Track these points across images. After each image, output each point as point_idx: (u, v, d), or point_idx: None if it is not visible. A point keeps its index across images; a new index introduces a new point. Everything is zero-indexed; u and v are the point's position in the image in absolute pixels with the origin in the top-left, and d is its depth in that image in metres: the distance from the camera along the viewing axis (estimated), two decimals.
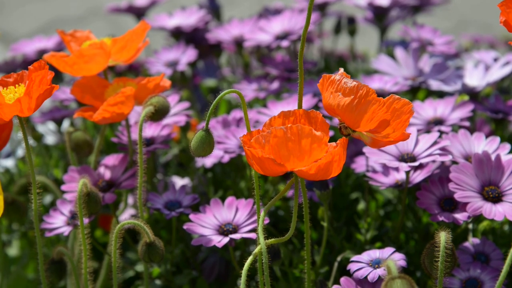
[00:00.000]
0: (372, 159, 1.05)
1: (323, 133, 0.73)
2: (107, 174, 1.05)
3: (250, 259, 0.71)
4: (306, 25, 0.78)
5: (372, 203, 1.20)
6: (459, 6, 2.93)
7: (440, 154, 0.97)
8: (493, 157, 0.96)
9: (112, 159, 1.07)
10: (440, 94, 1.32)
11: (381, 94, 1.17)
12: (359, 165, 1.10)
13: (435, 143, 0.99)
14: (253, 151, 0.73)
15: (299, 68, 0.80)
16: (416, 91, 1.24)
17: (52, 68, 0.93)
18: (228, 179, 1.19)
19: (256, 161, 0.73)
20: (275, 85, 1.27)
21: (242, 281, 0.68)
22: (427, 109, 1.12)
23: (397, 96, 0.76)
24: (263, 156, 0.72)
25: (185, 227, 0.97)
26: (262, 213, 0.75)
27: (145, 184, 1.03)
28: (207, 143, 0.83)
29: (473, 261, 0.94)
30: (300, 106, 0.83)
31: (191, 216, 0.98)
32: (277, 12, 1.45)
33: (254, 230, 0.96)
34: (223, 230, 0.97)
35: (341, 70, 0.78)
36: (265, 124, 0.79)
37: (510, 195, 0.93)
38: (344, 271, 1.01)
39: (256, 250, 0.73)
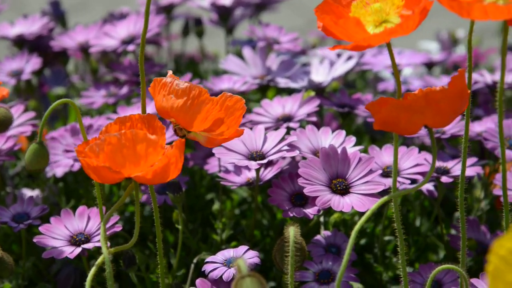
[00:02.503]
0: (223, 160, 1.05)
1: (159, 136, 0.72)
2: None
3: (93, 269, 0.70)
4: (145, 29, 0.78)
5: (228, 203, 1.21)
6: (310, 4, 2.99)
7: (288, 150, 0.99)
8: (339, 150, 0.98)
9: None
10: (291, 92, 1.33)
11: None
12: (212, 165, 1.10)
13: (283, 139, 1.01)
14: (88, 161, 0.71)
15: (140, 72, 0.79)
16: (266, 89, 1.25)
17: None
18: (81, 188, 1.17)
19: (92, 170, 0.71)
20: (124, 90, 1.26)
21: None
22: (275, 107, 1.13)
23: (229, 94, 0.76)
24: (98, 165, 0.71)
25: (35, 240, 0.94)
26: (101, 223, 0.73)
27: None
28: (41, 156, 0.81)
29: (325, 253, 0.96)
30: (143, 111, 0.82)
31: (41, 228, 0.95)
32: (122, 16, 1.43)
33: (109, 238, 0.95)
34: (75, 240, 0.95)
35: (170, 72, 0.77)
36: (101, 131, 0.77)
37: (357, 186, 0.95)
38: (201, 272, 1.01)
39: (99, 260, 0.71)
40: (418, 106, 0.70)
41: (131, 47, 1.26)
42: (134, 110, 1.17)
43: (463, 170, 0.83)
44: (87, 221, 0.97)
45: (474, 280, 0.86)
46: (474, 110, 1.26)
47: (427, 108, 0.71)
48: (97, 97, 1.26)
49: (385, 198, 0.74)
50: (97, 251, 1.05)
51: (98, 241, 0.94)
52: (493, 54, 1.83)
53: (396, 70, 0.76)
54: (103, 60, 1.42)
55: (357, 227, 0.69)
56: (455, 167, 1.01)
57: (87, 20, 1.58)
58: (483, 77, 1.21)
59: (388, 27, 0.73)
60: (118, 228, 0.95)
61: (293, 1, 2.08)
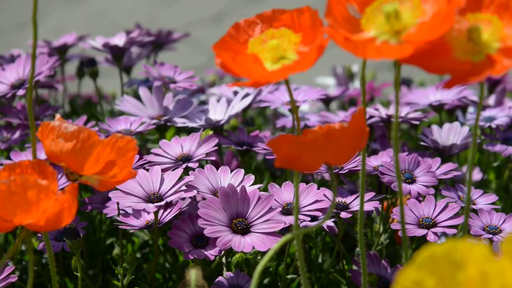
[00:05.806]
0: (121, 203, 1.03)
1: (50, 181, 0.70)
2: None
3: None
4: (31, 73, 0.76)
5: (129, 246, 1.18)
6: (211, 42, 3.00)
7: (186, 191, 0.97)
8: (238, 189, 0.97)
9: None
10: (190, 131, 1.32)
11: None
12: (111, 209, 1.07)
13: (180, 179, 0.99)
14: None
15: (29, 117, 0.77)
16: (165, 129, 1.24)
17: None
18: None
19: None
20: (16, 135, 1.22)
21: None
22: (174, 147, 1.11)
23: (120, 135, 0.75)
24: None
25: None
26: None
27: None
28: None
29: None
30: (34, 156, 0.80)
31: None
32: (13, 59, 1.39)
33: None
34: None
35: (58, 116, 0.76)
36: None
37: (257, 225, 0.94)
38: None
39: None
40: (319, 144, 0.70)
41: (21, 92, 1.21)
42: (28, 155, 1.13)
43: (361, 206, 0.83)
44: None
45: None
46: (370, 144, 1.27)
47: (328, 145, 0.71)
48: None
49: (287, 237, 0.74)
50: None
51: None
52: (388, 88, 1.86)
53: (294, 107, 0.76)
54: None
55: (259, 268, 0.68)
56: (353, 202, 1.02)
57: None
58: (378, 112, 1.23)
59: (286, 64, 0.73)
60: (14, 278, 0.91)
61: (192, 39, 2.08)
